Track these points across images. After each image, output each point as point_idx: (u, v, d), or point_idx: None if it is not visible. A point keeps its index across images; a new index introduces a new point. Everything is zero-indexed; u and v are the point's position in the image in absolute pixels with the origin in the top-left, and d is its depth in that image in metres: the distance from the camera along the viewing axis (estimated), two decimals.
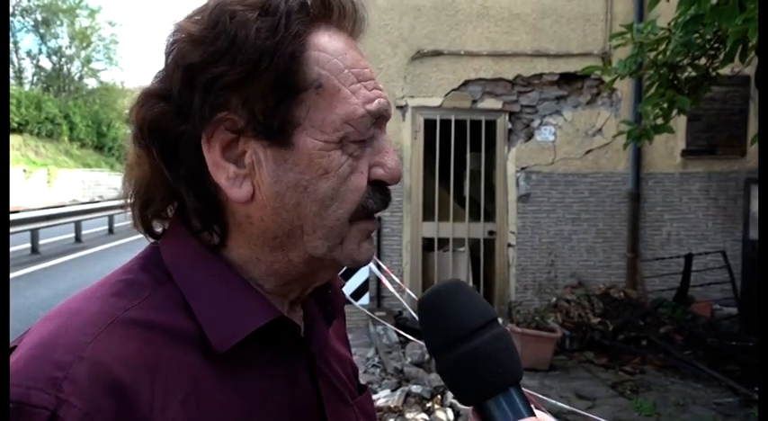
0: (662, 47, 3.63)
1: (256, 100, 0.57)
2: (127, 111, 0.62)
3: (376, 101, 0.61)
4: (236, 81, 0.56)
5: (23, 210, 13.17)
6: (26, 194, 22.43)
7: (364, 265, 0.67)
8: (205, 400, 0.57)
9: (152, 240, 0.68)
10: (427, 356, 5.19)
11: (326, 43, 0.60)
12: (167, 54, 0.60)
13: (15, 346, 0.56)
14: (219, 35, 0.56)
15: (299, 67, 0.57)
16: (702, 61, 3.72)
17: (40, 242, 11.80)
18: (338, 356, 0.77)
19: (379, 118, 0.62)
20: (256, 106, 0.57)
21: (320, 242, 0.61)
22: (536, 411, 0.59)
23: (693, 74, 3.74)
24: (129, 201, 0.66)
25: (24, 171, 22.80)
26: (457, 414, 4.17)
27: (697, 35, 3.45)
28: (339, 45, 0.61)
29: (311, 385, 0.67)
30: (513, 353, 0.59)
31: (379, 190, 0.63)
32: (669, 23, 3.61)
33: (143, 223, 0.67)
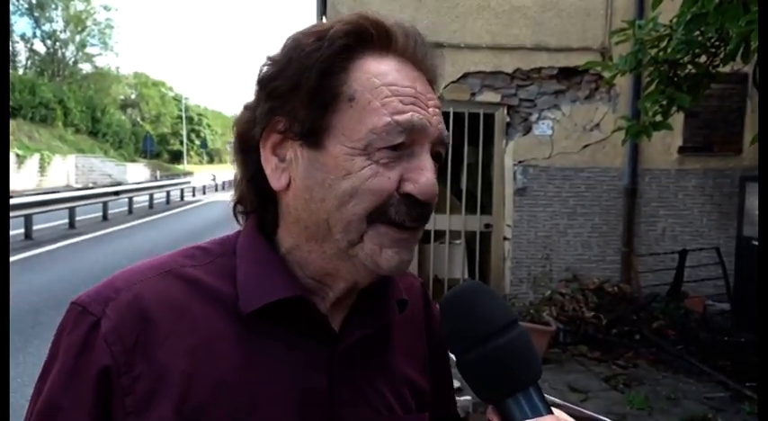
0: (663, 44, 3.64)
1: (299, 108, 0.68)
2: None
3: (408, 114, 0.67)
4: (286, 91, 0.68)
5: (17, 196, 13.11)
6: (20, 180, 22.31)
7: (392, 274, 0.71)
8: (214, 352, 0.67)
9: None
10: None
11: (370, 66, 0.69)
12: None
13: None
14: (284, 56, 0.70)
15: (332, 82, 0.67)
16: (703, 59, 3.73)
17: (34, 228, 11.76)
18: (387, 369, 0.79)
19: (414, 132, 0.67)
20: (299, 113, 0.68)
21: (341, 235, 0.68)
22: (554, 409, 0.61)
23: (693, 71, 3.75)
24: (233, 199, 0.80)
25: (18, 156, 22.67)
26: None
27: (698, 33, 3.46)
28: (383, 68, 0.69)
29: (327, 376, 0.72)
30: (533, 352, 0.61)
31: (406, 203, 0.68)
32: (671, 21, 3.62)
33: (234, 212, 0.80)
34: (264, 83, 0.71)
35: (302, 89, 0.67)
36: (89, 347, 0.65)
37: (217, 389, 0.66)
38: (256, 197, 0.76)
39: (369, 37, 0.69)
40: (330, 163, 0.67)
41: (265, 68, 0.71)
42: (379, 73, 0.68)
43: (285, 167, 0.71)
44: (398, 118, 0.66)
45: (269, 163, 0.72)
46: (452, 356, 0.67)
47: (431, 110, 0.70)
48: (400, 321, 0.81)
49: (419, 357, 0.85)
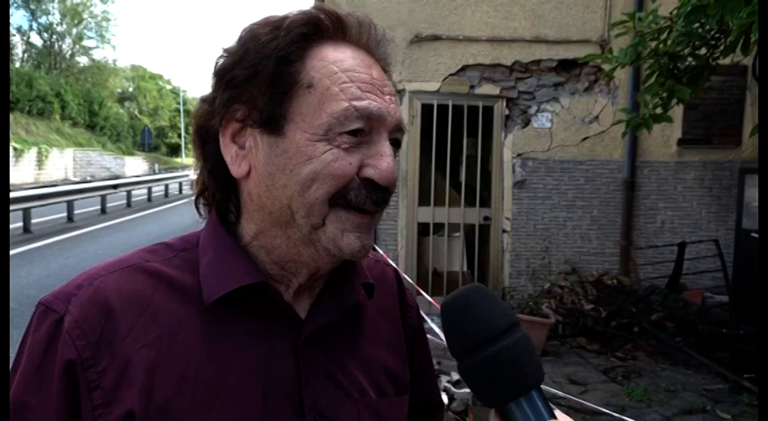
0: (663, 36, 3.62)
1: (258, 96, 0.70)
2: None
3: (366, 101, 0.69)
4: (244, 80, 0.70)
5: (15, 189, 13.08)
6: (17, 173, 22.26)
7: (354, 258, 0.72)
8: (178, 344, 0.68)
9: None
10: None
11: (327, 54, 0.71)
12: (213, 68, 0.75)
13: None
14: (240, 47, 0.71)
15: (289, 69, 0.69)
16: (703, 51, 3.72)
17: (32, 221, 11.74)
18: (361, 353, 0.80)
19: (371, 120, 0.69)
20: (258, 100, 0.70)
21: (303, 220, 0.70)
22: (556, 412, 0.61)
23: (693, 63, 3.74)
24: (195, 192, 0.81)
25: (15, 149, 22.60)
26: (451, 397, 4.22)
27: (698, 25, 3.44)
28: (340, 55, 0.71)
29: (294, 361, 0.73)
30: (535, 356, 0.61)
31: (367, 187, 0.70)
32: (671, 13, 3.60)
33: (196, 206, 0.81)
34: (222, 74, 0.72)
35: (260, 78, 0.69)
36: (53, 343, 0.66)
37: (181, 380, 0.67)
38: (218, 188, 0.76)
39: (324, 26, 0.71)
40: (291, 149, 0.69)
41: (222, 60, 0.73)
42: (336, 60, 0.70)
43: (245, 155, 0.72)
44: (356, 104, 0.68)
45: (229, 151, 0.73)
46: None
47: (387, 97, 0.72)
48: (374, 308, 0.83)
49: (395, 344, 0.86)
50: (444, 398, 4.19)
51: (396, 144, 0.73)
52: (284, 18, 0.71)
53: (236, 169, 0.72)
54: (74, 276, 0.72)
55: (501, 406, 0.60)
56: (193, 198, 0.81)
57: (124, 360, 0.66)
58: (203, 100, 0.76)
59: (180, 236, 0.79)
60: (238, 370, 0.70)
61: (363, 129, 0.69)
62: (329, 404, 0.73)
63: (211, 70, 0.75)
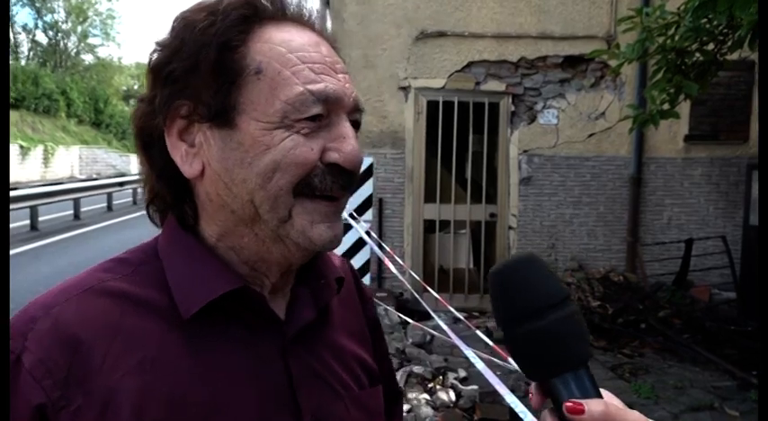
0: (670, 32, 3.61)
1: (201, 87, 0.65)
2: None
3: (321, 84, 0.65)
4: (184, 73, 0.65)
5: (22, 187, 13.14)
6: (24, 171, 22.36)
7: (326, 249, 0.69)
8: (160, 366, 0.62)
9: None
10: (429, 338, 5.24)
11: (272, 35, 0.66)
12: (147, 64, 0.69)
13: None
14: (175, 38, 0.66)
15: (233, 55, 0.64)
16: (710, 47, 3.70)
17: (39, 219, 11.79)
18: (336, 348, 0.77)
19: (329, 103, 0.65)
20: (202, 93, 0.65)
21: (269, 214, 0.65)
22: (602, 391, 0.58)
23: (701, 59, 3.72)
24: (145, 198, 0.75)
25: (21, 147, 22.68)
26: (458, 394, 4.22)
27: (706, 20, 3.42)
28: (285, 35, 0.66)
29: (282, 366, 0.69)
30: (585, 332, 0.58)
31: (332, 173, 0.66)
32: (678, 8, 3.58)
33: (149, 213, 0.75)
34: (159, 69, 0.66)
35: (202, 68, 0.64)
36: (15, 388, 0.59)
37: (171, 403, 0.62)
38: (170, 192, 0.70)
39: (263, 6, 0.67)
40: (246, 141, 0.64)
41: (156, 54, 0.67)
42: (283, 40, 0.66)
43: (196, 152, 0.67)
44: (312, 87, 0.64)
45: (177, 150, 0.67)
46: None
47: (341, 76, 0.67)
48: (336, 301, 0.80)
49: (361, 335, 0.85)
50: (452, 395, 4.19)
51: (355, 125, 0.69)
52: (219, 2, 0.66)
53: (188, 169, 0.67)
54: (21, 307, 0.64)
55: (546, 379, 0.58)
56: (144, 207, 0.75)
57: (104, 393, 0.60)
58: (141, 100, 0.70)
59: (130, 249, 0.72)
60: (229, 383, 0.65)
61: (322, 113, 0.65)
62: (322, 404, 0.71)
63: (148, 67, 0.69)
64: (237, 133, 0.64)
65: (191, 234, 0.70)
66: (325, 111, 0.65)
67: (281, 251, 0.68)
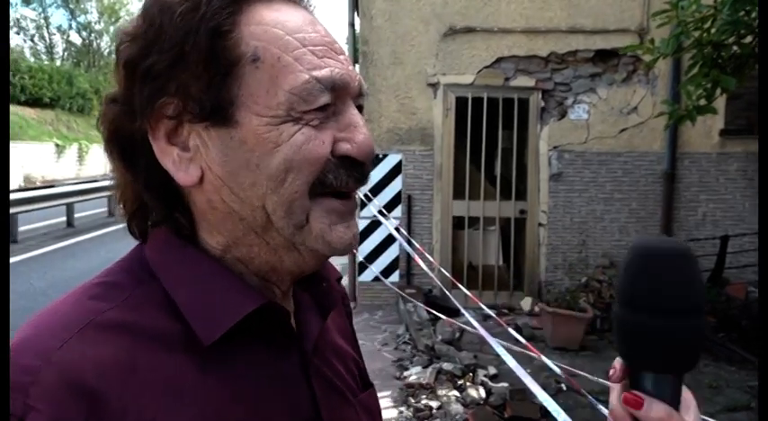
0: (706, 25, 3.53)
1: (190, 82, 0.57)
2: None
3: (327, 69, 0.58)
4: (167, 66, 0.56)
5: (59, 185, 13.45)
6: (60, 169, 22.88)
7: (345, 252, 0.62)
8: (188, 402, 0.55)
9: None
10: (458, 334, 5.23)
11: (264, 15, 0.58)
12: (115, 59, 0.60)
13: None
14: (150, 27, 0.57)
15: (225, 41, 0.56)
16: (748, 40, 3.61)
17: (75, 216, 12.06)
18: (339, 352, 0.74)
19: (336, 89, 0.59)
20: (191, 88, 0.57)
21: (284, 221, 0.59)
22: (686, 405, 0.58)
23: (739, 52, 3.63)
24: (120, 209, 0.67)
25: (57, 146, 23.20)
26: (488, 391, 4.21)
27: (744, 13, 3.35)
28: (280, 15, 0.59)
29: (305, 381, 0.64)
30: (702, 348, 0.58)
31: (345, 166, 0.60)
32: (715, 1, 3.51)
33: (130, 228, 0.66)
34: (134, 64, 0.57)
35: (190, 59, 0.56)
36: None
37: None
38: (159, 202, 0.62)
39: None
40: (250, 139, 0.57)
41: (126, 46, 0.58)
42: (278, 22, 0.58)
43: (191, 157, 0.59)
44: (317, 74, 0.57)
45: (168, 156, 0.59)
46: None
47: (342, 57, 0.61)
48: None
49: (349, 333, 0.82)
50: (482, 392, 4.19)
51: (360, 111, 0.63)
52: None
53: (184, 176, 0.59)
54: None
55: (639, 370, 0.57)
56: (124, 221, 0.66)
57: None
58: (112, 100, 0.61)
59: (109, 270, 0.63)
60: (261, 408, 0.59)
61: (330, 102, 0.58)
62: (341, 416, 0.68)
63: (117, 62, 0.60)
64: (238, 131, 0.57)
65: (190, 246, 0.62)
66: (333, 99, 0.59)
67: (295, 259, 0.61)
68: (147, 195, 0.62)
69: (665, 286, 0.55)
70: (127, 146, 0.61)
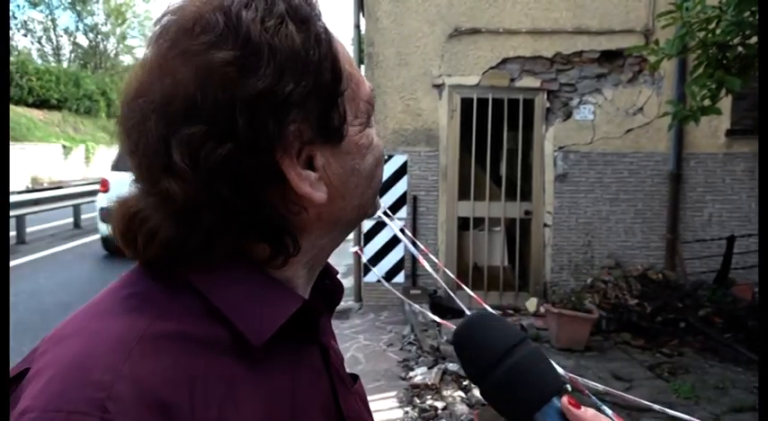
0: (711, 26, 3.53)
1: (316, 107, 0.58)
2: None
3: (362, 73, 0.67)
4: (304, 95, 0.57)
5: (66, 186, 13.51)
6: (67, 170, 22.99)
7: (374, 215, 0.72)
8: (242, 403, 0.56)
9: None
10: None
11: (334, 35, 0.63)
12: (203, 91, 0.54)
13: (27, 368, 0.53)
14: (266, 55, 0.55)
15: (341, 67, 0.61)
16: (753, 40, 3.61)
17: (82, 217, 12.13)
18: (334, 345, 0.77)
19: None
20: (319, 112, 0.59)
21: (371, 208, 0.69)
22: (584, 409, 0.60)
23: (744, 53, 3.64)
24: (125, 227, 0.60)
25: (64, 147, 23.32)
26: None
27: (749, 14, 3.35)
28: (333, 32, 0.63)
29: (326, 375, 0.67)
30: (547, 365, 0.62)
31: None
32: (720, 2, 3.51)
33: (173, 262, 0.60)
34: (261, 96, 0.54)
35: (322, 87, 0.58)
36: None
37: None
38: (264, 232, 0.59)
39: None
40: (352, 148, 0.63)
41: (228, 76, 0.54)
42: (339, 40, 0.63)
43: (320, 177, 0.61)
44: (367, 81, 0.66)
45: (305, 180, 0.59)
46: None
47: None
48: None
49: (331, 326, 0.84)
50: None
51: None
52: (272, 3, 0.57)
53: (320, 196, 0.60)
54: (54, 367, 0.51)
55: (529, 420, 0.60)
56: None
57: None
58: (222, 138, 0.54)
59: (131, 277, 0.61)
60: (303, 406, 0.62)
61: None
62: (351, 408, 0.70)
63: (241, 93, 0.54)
64: (344, 144, 0.62)
65: (238, 259, 0.61)
66: None
67: (336, 243, 0.69)
68: (259, 230, 0.59)
69: (482, 345, 0.63)
70: (237, 185, 0.56)
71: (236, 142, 0.54)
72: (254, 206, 0.57)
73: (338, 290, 0.75)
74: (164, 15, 0.58)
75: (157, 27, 0.58)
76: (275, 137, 0.56)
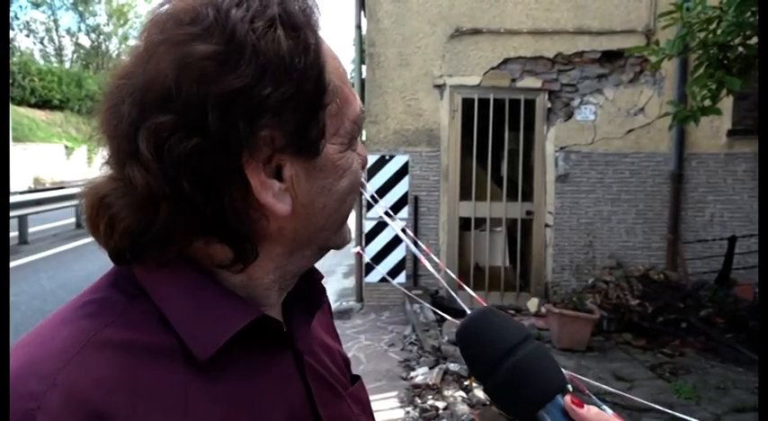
0: (712, 26, 3.54)
1: (293, 116, 0.56)
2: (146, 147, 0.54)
3: (357, 93, 0.64)
4: (282, 100, 0.55)
5: (68, 186, 13.54)
6: (69, 171, 23.02)
7: (343, 246, 0.70)
8: (193, 411, 0.54)
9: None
10: None
11: (327, 48, 0.61)
12: (178, 82, 0.53)
13: None
14: (248, 54, 0.53)
15: (327, 76, 0.59)
16: (754, 41, 3.61)
17: (83, 217, 12.14)
18: (326, 348, 0.76)
19: None
20: (289, 123, 0.56)
21: (333, 234, 0.65)
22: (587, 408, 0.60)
23: (744, 53, 3.64)
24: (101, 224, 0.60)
25: (66, 147, 23.35)
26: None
27: (750, 14, 3.35)
28: (329, 46, 0.61)
29: (300, 380, 0.66)
30: (551, 363, 0.62)
31: None
32: (720, 2, 3.51)
33: (123, 251, 0.60)
34: (236, 94, 0.53)
35: (302, 96, 0.56)
36: None
37: None
38: (231, 244, 0.58)
39: (318, 11, 0.61)
40: (327, 166, 0.60)
41: (208, 70, 0.53)
42: (332, 51, 0.61)
43: (286, 188, 0.58)
44: (360, 103, 0.64)
45: (268, 189, 0.57)
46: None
47: None
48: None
49: (331, 327, 0.83)
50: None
51: None
52: (265, 6, 0.56)
53: (282, 207, 0.58)
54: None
55: (533, 418, 0.60)
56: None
57: None
58: (191, 132, 0.53)
59: (100, 284, 0.62)
60: (259, 410, 0.60)
61: None
62: (336, 413, 0.69)
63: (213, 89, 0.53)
64: (319, 160, 0.59)
65: (192, 268, 0.59)
66: None
67: (309, 262, 0.66)
68: (222, 232, 0.57)
69: (487, 342, 0.62)
70: (207, 182, 0.55)
71: (203, 138, 0.53)
72: (214, 205, 0.55)
73: (317, 291, 0.72)
74: (162, 5, 0.59)
75: (154, 15, 0.58)
76: (245, 138, 0.54)
